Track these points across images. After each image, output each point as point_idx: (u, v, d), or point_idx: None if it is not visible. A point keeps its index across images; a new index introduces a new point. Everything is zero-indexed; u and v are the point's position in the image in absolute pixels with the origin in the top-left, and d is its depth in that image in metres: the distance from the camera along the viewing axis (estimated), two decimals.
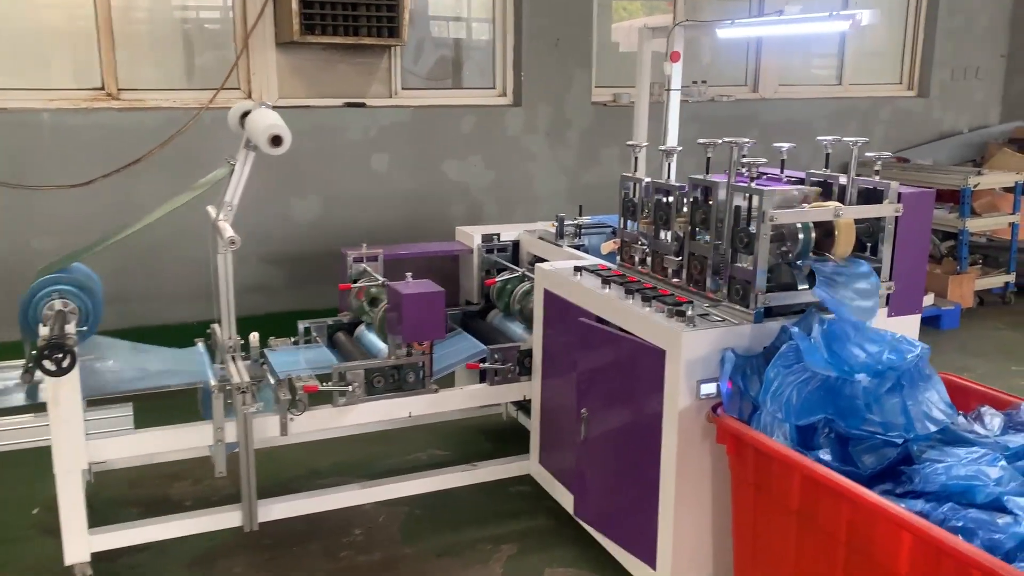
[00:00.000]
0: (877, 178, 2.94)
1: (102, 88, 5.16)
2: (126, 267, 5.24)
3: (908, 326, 3.01)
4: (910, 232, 2.93)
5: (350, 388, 3.31)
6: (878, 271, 2.92)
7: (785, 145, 3.32)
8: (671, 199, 3.14)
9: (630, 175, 3.37)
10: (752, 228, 2.75)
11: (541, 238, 4.09)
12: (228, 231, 3.19)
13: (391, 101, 5.81)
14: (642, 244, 3.31)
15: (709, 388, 2.67)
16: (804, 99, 7.04)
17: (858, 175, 3.01)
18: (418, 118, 5.80)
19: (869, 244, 2.97)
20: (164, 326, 5.43)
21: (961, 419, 2.70)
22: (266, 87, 5.45)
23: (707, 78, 6.74)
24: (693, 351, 2.68)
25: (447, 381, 3.70)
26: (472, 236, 4.25)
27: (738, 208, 2.82)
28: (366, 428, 3.99)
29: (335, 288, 4.25)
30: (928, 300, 6.05)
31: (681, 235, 3.10)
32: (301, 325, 3.91)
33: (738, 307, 2.83)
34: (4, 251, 4.94)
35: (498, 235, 4.25)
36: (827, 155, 3.18)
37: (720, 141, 2.96)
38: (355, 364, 3.38)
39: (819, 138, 3.19)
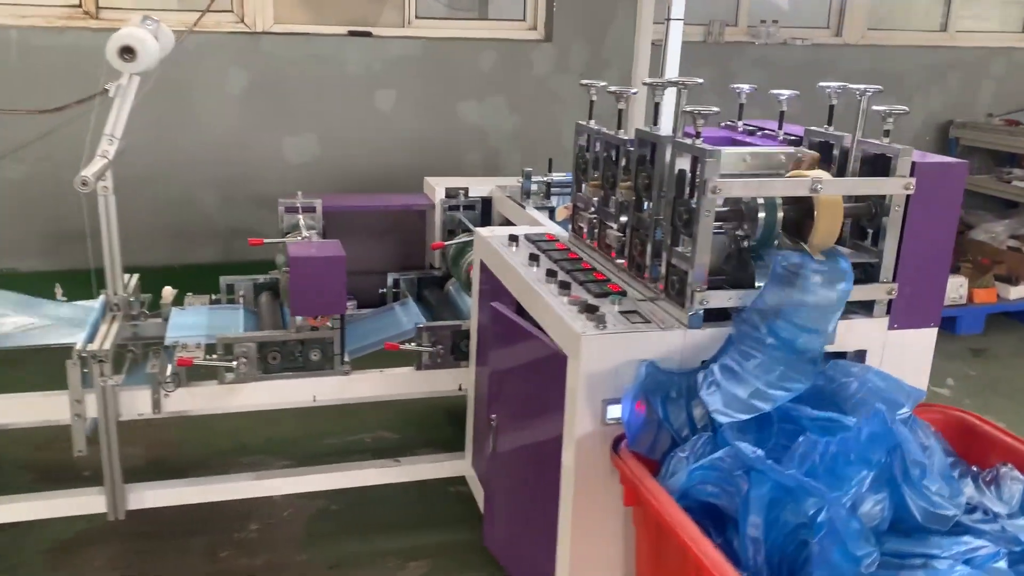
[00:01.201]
0: (887, 141, 2.15)
1: (79, 5, 4.73)
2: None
3: (918, 343, 2.25)
4: (927, 217, 2.15)
5: (234, 364, 2.79)
6: (875, 268, 2.17)
7: (785, 93, 2.56)
8: (620, 157, 2.44)
9: (584, 123, 2.68)
10: (695, 202, 2.04)
11: (509, 196, 3.44)
12: (87, 169, 2.68)
13: (402, 31, 5.20)
14: (591, 212, 2.63)
15: (618, 411, 2.01)
16: (897, 47, 6.00)
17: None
18: (432, 51, 5.17)
19: (871, 231, 2.21)
20: (141, 267, 5.06)
21: (969, 486, 1.95)
22: (260, 10, 4.92)
23: (779, 17, 5.83)
24: (598, 361, 2.02)
25: (384, 360, 3.11)
26: (437, 189, 3.63)
27: (681, 173, 2.11)
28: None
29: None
30: None
31: (626, 204, 2.41)
32: (223, 281, 3.41)
33: (675, 305, 2.14)
34: None
35: (466, 190, 3.62)
36: (831, 107, 2.40)
37: (665, 79, 2.23)
38: (245, 336, 2.86)
39: (821, 84, 2.40)
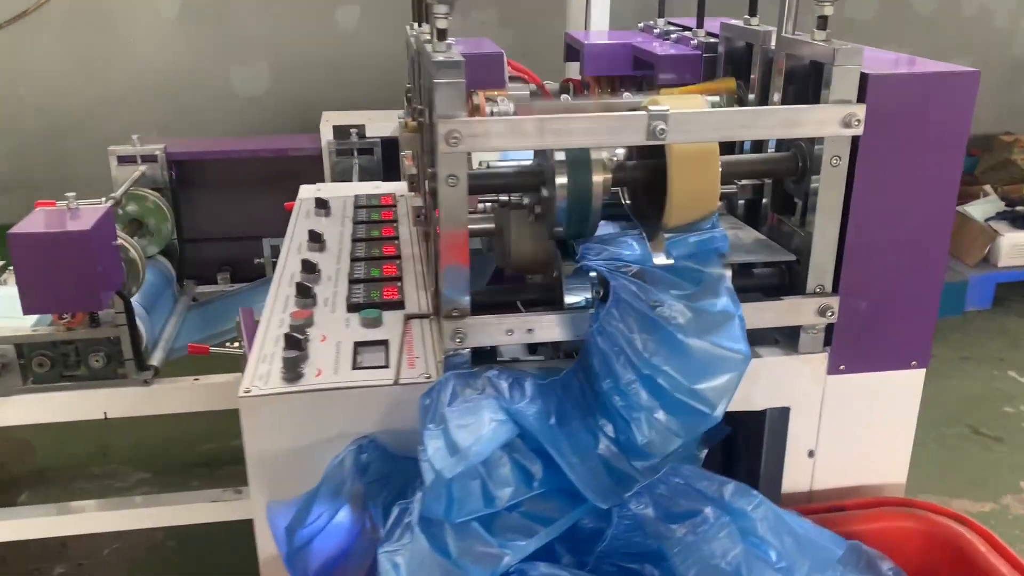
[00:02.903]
0: (821, 39, 1.16)
1: None
2: (25, 149, 4.30)
3: (885, 397, 1.29)
4: (896, 176, 1.17)
5: None
6: (797, 267, 1.22)
7: None
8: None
9: (412, 29, 1.77)
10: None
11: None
12: None
13: None
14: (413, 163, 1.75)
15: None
16: None
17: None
18: None
19: (801, 202, 1.25)
20: None
21: None
22: None
23: None
24: (276, 436, 1.18)
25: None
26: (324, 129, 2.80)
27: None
28: None
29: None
30: None
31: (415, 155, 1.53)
32: None
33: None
34: None
35: (361, 128, 2.76)
36: None
37: None
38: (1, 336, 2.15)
39: None
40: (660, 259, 1.09)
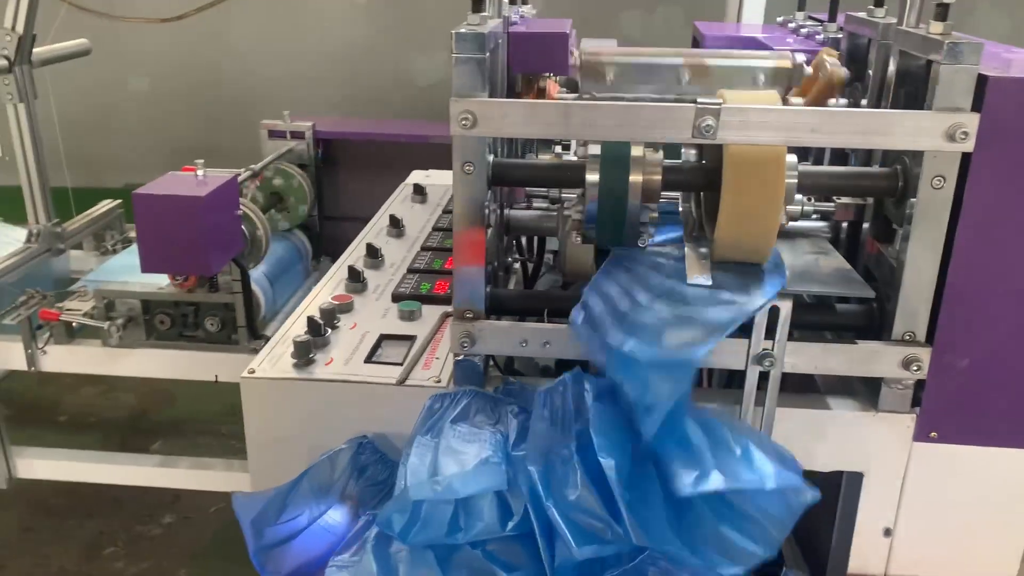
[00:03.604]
0: (938, 32, 0.94)
1: None
2: (219, 121, 4.59)
3: (991, 480, 1.04)
4: (1016, 203, 0.93)
5: (105, 326, 2.21)
6: (886, 309, 1.00)
7: None
8: None
9: None
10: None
11: None
12: None
13: None
14: None
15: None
16: None
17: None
18: None
19: (899, 229, 1.03)
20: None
21: None
22: None
23: None
24: (275, 423, 1.13)
25: None
26: None
27: None
28: None
29: None
30: None
31: None
32: None
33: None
34: (100, 90, 4.52)
35: None
36: None
37: None
38: (126, 291, 2.25)
39: None
40: (699, 279, 0.92)
